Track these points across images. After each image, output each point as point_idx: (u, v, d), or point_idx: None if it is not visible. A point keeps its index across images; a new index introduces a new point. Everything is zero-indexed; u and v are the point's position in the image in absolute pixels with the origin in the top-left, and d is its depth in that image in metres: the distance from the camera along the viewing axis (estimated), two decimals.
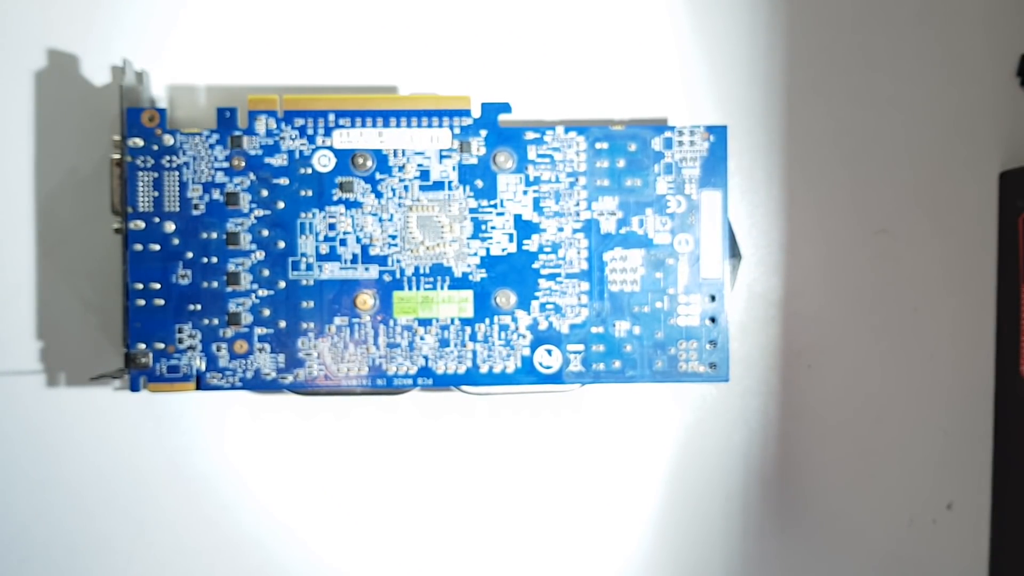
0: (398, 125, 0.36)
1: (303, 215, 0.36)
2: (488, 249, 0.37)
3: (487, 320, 0.37)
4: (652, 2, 0.40)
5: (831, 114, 0.40)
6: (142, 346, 0.36)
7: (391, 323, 0.37)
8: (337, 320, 0.36)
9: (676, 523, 0.41)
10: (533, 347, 0.37)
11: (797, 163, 0.40)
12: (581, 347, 0.37)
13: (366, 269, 0.37)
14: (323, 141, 0.36)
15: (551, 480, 0.41)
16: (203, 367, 0.36)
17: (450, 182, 0.37)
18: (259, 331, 0.36)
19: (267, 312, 0.36)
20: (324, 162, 0.36)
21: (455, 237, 0.37)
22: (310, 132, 0.36)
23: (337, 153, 0.36)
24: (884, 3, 0.41)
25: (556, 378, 0.37)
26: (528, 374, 0.37)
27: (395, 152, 0.36)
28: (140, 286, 0.36)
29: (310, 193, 0.36)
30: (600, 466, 0.41)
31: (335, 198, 0.36)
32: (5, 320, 0.39)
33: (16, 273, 0.39)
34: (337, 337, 0.36)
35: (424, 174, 0.36)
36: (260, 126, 0.36)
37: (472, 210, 0.37)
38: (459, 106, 0.36)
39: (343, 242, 0.36)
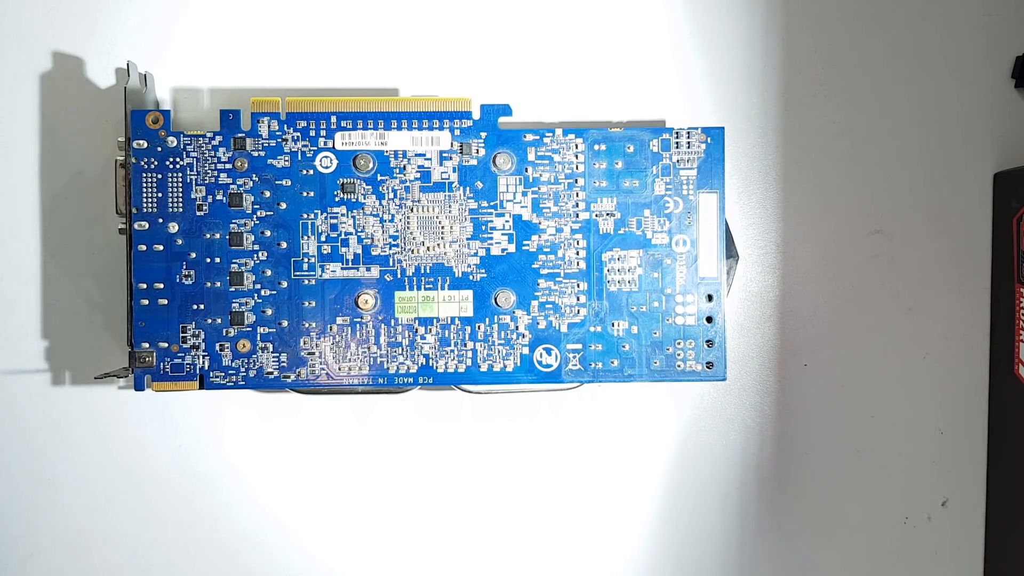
0: (399, 127, 0.37)
1: (305, 216, 0.37)
2: (488, 249, 0.37)
3: (487, 319, 0.37)
4: (650, 5, 0.40)
5: (827, 116, 0.41)
6: (146, 345, 0.36)
7: (392, 322, 0.37)
8: (339, 319, 0.37)
9: (674, 520, 0.41)
10: (532, 346, 0.37)
11: (793, 164, 0.41)
12: (580, 346, 0.37)
13: (367, 269, 0.37)
14: (325, 143, 0.37)
15: (550, 477, 0.41)
16: (206, 366, 0.37)
17: (450, 183, 0.37)
18: (262, 330, 0.37)
19: (270, 312, 0.37)
20: (326, 163, 0.37)
21: (455, 238, 0.37)
22: (312, 134, 0.37)
23: (339, 155, 0.37)
24: (880, 6, 0.41)
25: (555, 377, 0.37)
26: (527, 373, 0.37)
27: (396, 154, 0.37)
28: (144, 286, 0.36)
29: (312, 194, 0.37)
30: (598, 464, 0.41)
31: (337, 199, 0.37)
32: (11, 319, 0.39)
33: (22, 273, 0.39)
34: (339, 336, 0.37)
35: (425, 175, 0.37)
36: (263, 128, 0.36)
37: (472, 211, 0.37)
38: (459, 108, 0.37)
39: (345, 242, 0.37)
